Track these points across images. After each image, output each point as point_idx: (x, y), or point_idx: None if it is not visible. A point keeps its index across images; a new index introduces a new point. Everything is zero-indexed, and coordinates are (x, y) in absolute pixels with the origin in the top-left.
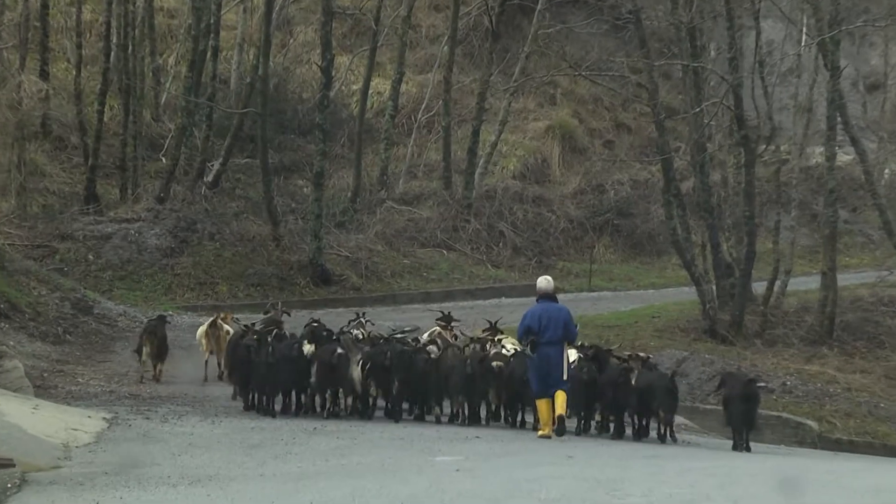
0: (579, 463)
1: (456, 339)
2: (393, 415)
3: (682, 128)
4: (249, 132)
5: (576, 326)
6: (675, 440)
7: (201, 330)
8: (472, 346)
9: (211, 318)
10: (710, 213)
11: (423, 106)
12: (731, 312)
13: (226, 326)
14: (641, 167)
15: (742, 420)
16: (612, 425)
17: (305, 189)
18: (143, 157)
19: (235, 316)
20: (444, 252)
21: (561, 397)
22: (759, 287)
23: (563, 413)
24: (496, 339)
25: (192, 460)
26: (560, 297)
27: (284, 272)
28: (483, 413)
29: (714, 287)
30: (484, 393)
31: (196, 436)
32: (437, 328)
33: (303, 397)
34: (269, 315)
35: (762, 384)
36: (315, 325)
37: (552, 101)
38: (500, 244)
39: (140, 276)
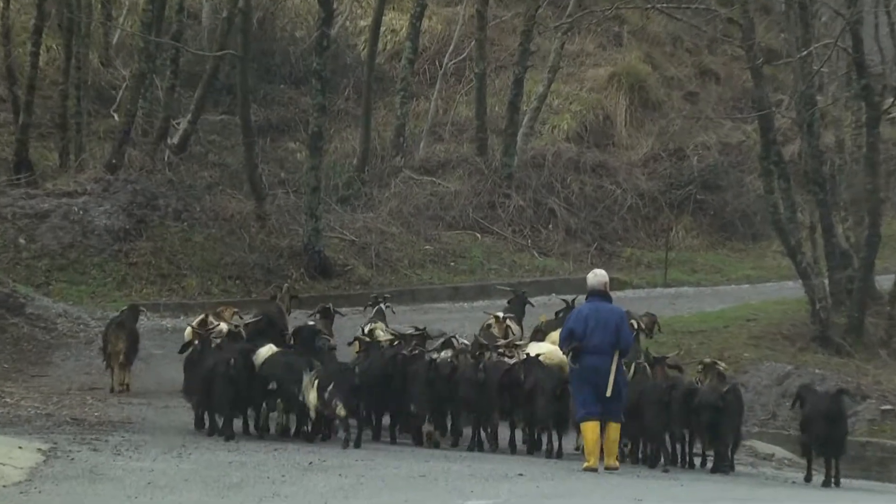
0: None
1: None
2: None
3: (785, 76)
4: (226, 81)
5: (632, 333)
6: (724, 471)
7: (189, 330)
8: (490, 355)
9: (201, 316)
10: (821, 185)
11: (451, 48)
12: (849, 314)
13: (221, 326)
14: (733, 127)
15: (827, 446)
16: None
17: (299, 154)
18: (90, 112)
19: (237, 310)
20: (478, 236)
21: (613, 433)
22: (884, 281)
23: (615, 463)
24: (518, 344)
25: None
26: (628, 294)
27: (272, 261)
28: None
29: (826, 281)
30: (505, 409)
31: (157, 473)
32: (492, 319)
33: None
34: (273, 300)
35: (888, 407)
36: (327, 309)
37: (617, 41)
38: (550, 226)
39: (86, 266)
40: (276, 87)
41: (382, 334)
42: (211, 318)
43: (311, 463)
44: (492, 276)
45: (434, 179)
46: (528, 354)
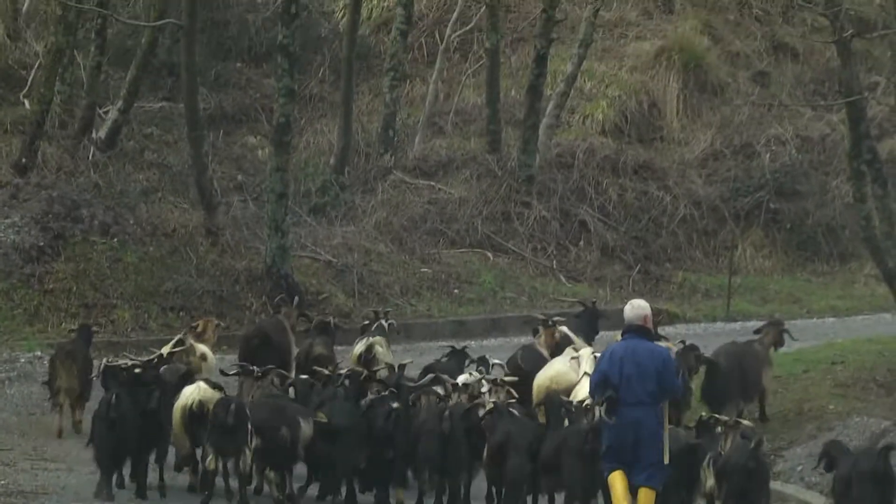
0: None
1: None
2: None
3: (880, 52)
4: (167, 58)
5: (679, 377)
6: None
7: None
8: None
9: (177, 337)
10: None
11: (455, 17)
12: None
13: (201, 348)
14: (814, 116)
15: None
16: None
17: (260, 152)
18: None
19: (219, 323)
20: (489, 255)
21: (646, 502)
22: None
23: None
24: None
25: None
26: (679, 330)
27: (225, 288)
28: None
29: None
30: (471, 466)
31: None
32: (541, 329)
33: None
34: (277, 313)
35: None
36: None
37: (667, 7)
38: (581, 243)
39: None
40: (230, 66)
41: (382, 350)
42: (189, 340)
43: None
44: (506, 307)
45: (433, 184)
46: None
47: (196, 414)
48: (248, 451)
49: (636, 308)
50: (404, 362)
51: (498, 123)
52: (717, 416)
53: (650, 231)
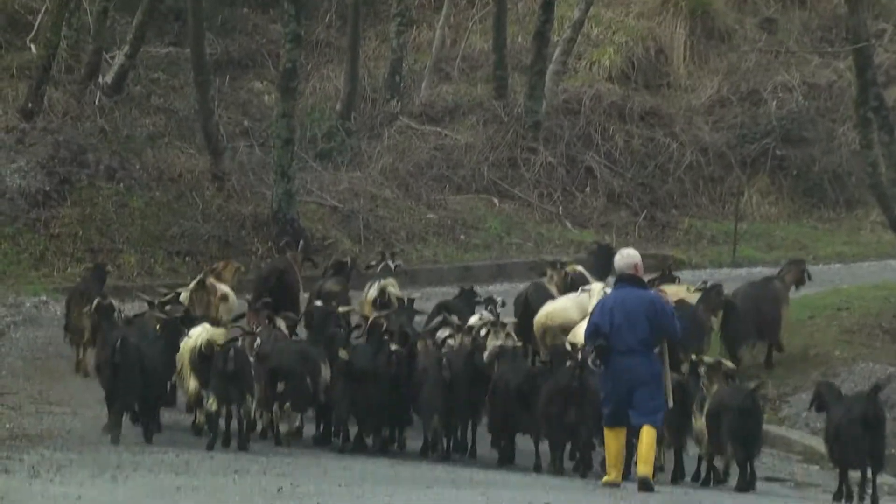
0: None
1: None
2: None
3: None
4: (174, 4)
5: (673, 318)
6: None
7: (183, 297)
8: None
9: (198, 277)
10: None
11: None
12: None
13: (222, 289)
14: (822, 63)
15: (863, 454)
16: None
17: (266, 97)
18: (0, 43)
19: (239, 266)
20: (495, 201)
21: (648, 438)
22: None
23: (649, 473)
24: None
25: None
26: (685, 276)
27: (231, 232)
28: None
29: None
30: (472, 412)
31: (86, 501)
32: (551, 271)
33: None
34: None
35: None
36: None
37: None
38: (587, 189)
39: None
40: (237, 12)
41: (395, 292)
42: (210, 281)
43: (280, 489)
44: (512, 253)
45: (439, 129)
46: (500, 345)
47: (205, 354)
48: (249, 398)
49: (626, 257)
50: (412, 297)
51: (504, 69)
52: (701, 357)
53: (656, 177)
